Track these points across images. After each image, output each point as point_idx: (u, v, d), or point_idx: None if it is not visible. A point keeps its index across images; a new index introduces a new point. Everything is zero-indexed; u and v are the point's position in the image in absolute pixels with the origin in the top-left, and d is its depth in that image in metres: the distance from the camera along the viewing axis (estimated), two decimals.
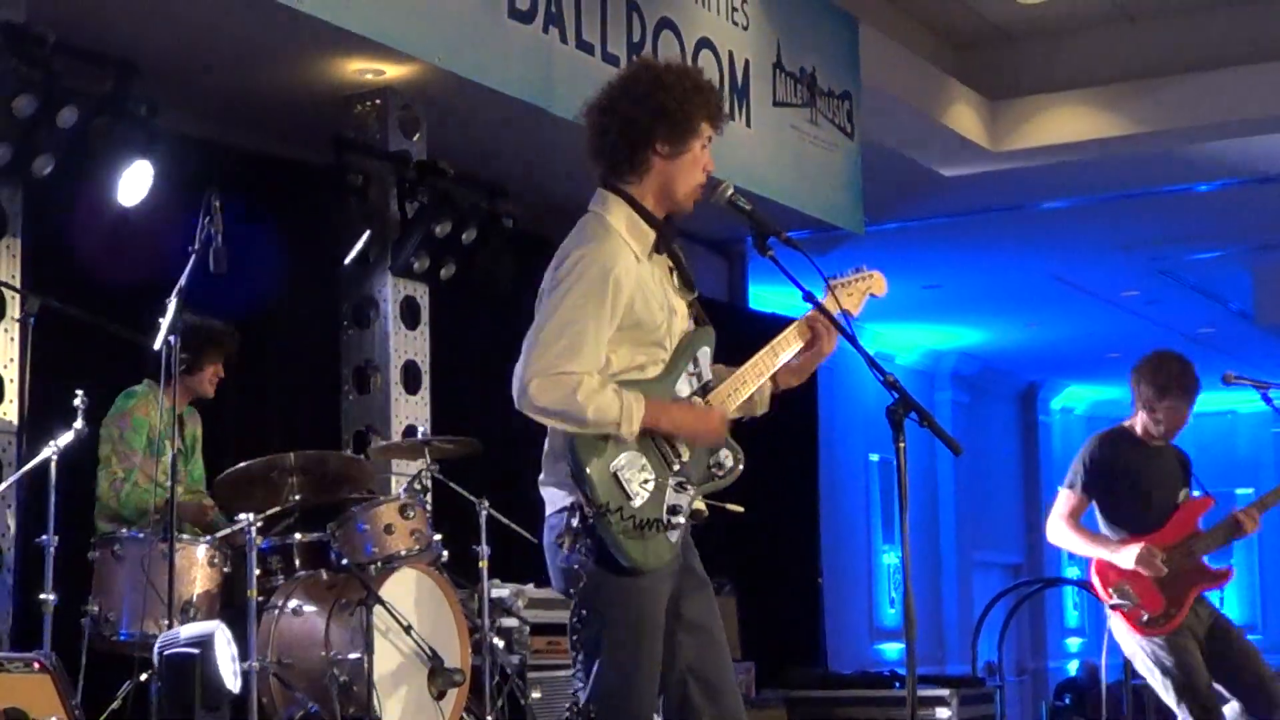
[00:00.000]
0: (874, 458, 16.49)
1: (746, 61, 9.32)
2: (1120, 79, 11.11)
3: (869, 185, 10.40)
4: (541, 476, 3.84)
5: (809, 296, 3.97)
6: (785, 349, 4.08)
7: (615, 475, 3.70)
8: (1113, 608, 6.08)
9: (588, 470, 3.68)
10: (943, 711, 9.36)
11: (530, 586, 7.58)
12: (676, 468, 3.84)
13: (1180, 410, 6.12)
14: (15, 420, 6.16)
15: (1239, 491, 21.74)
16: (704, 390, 3.97)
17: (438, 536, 6.44)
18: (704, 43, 8.97)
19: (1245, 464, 21.51)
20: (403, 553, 6.24)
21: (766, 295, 12.32)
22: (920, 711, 9.10)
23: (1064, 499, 6.26)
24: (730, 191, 3.94)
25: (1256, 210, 12.57)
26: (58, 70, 6.16)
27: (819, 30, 10.02)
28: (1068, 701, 16.04)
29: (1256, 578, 21.56)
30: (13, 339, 6.28)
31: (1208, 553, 6.07)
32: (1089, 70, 11.25)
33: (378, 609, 5.92)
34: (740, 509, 4.06)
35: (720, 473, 4.04)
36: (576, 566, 3.71)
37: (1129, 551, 6.05)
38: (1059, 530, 6.25)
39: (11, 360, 6.27)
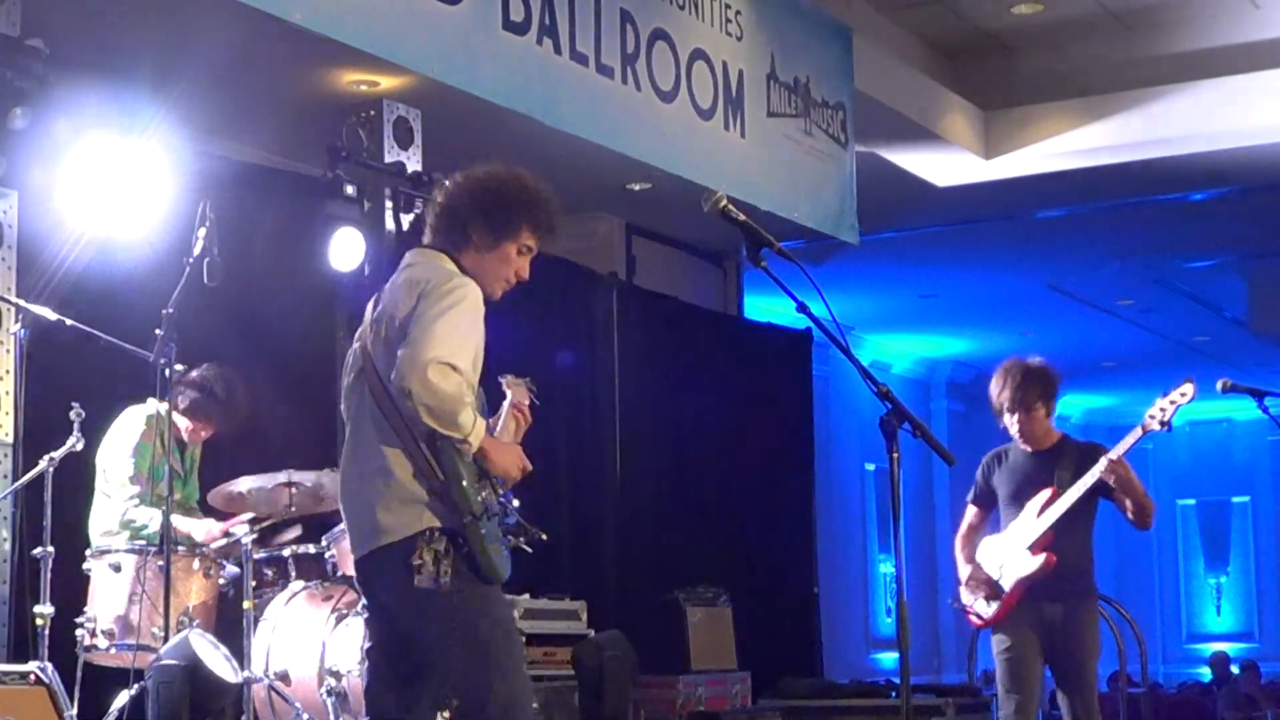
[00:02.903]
0: (870, 467, 16.51)
1: (740, 72, 9.33)
2: (1114, 88, 11.12)
3: (863, 195, 10.40)
4: (380, 505, 3.97)
5: (802, 306, 3.98)
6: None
7: (469, 488, 3.94)
8: (954, 603, 6.29)
9: (463, 478, 3.92)
10: None
11: (525, 597, 7.58)
12: (499, 492, 4.07)
13: (1015, 425, 6.09)
14: (11, 433, 6.15)
15: (1235, 499, 21.81)
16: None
17: None
18: (698, 54, 8.98)
19: (1241, 471, 21.57)
20: None
21: (761, 305, 12.33)
22: None
23: (966, 513, 6.42)
24: (724, 202, 3.95)
25: (1251, 218, 12.59)
26: (52, 83, 6.16)
27: (813, 41, 10.03)
28: None
29: (1253, 586, 21.57)
30: (8, 351, 6.28)
31: (1033, 539, 6.05)
32: (1083, 80, 11.27)
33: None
34: (544, 536, 4.22)
35: (509, 510, 4.15)
36: (439, 585, 3.89)
37: (964, 570, 6.26)
38: (957, 539, 6.41)
39: (7, 373, 6.26)
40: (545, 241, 4.32)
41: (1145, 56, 11.09)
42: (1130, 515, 6.08)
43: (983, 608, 6.21)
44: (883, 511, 16.74)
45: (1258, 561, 21.48)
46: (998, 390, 6.16)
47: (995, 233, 12.89)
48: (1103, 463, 5.94)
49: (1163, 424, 6.01)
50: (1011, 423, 6.14)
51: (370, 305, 4.25)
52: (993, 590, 6.14)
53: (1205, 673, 19.24)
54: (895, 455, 3.85)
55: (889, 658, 16.05)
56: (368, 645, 4.28)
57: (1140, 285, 14.70)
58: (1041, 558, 6.00)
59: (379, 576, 4.04)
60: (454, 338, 3.93)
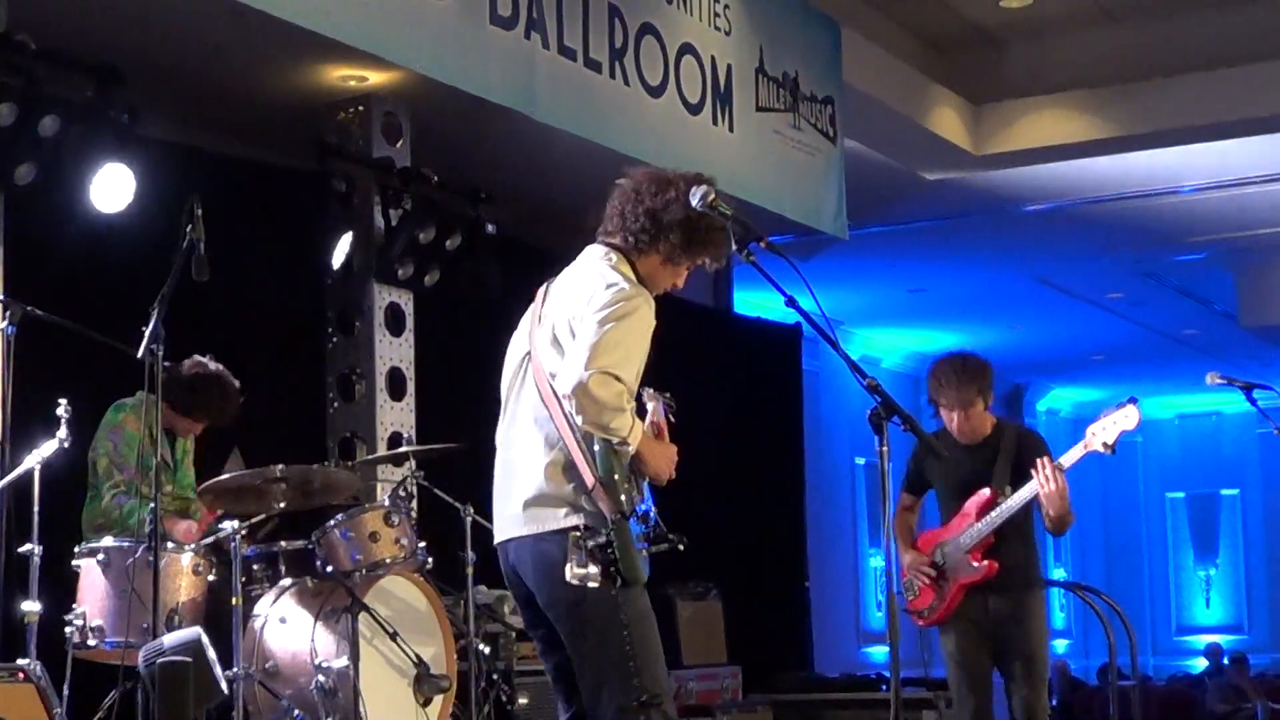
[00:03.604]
0: (859, 461, 16.51)
1: (729, 66, 9.32)
2: (1103, 82, 11.13)
3: (852, 189, 10.41)
4: (530, 496, 4.10)
5: (791, 301, 3.98)
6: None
7: (622, 488, 4.04)
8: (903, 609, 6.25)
9: (616, 478, 4.02)
10: (929, 714, 9.36)
11: None
12: (645, 495, 4.20)
13: (955, 422, 6.09)
14: None
15: (1224, 492, 21.85)
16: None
17: (423, 543, 6.43)
18: (686, 48, 8.97)
19: (1230, 464, 21.61)
20: (388, 560, 6.24)
21: (750, 300, 12.33)
22: (906, 714, 9.09)
23: (900, 499, 6.41)
24: (712, 196, 3.95)
25: (1240, 212, 12.61)
26: (39, 78, 6.15)
27: (801, 35, 10.02)
28: (1054, 704, 16.06)
29: (1242, 578, 21.62)
30: None
31: (973, 543, 6.04)
32: (1072, 73, 11.28)
33: (363, 616, 5.91)
34: (683, 545, 4.36)
35: (651, 514, 4.28)
36: (587, 583, 4.02)
37: (906, 556, 6.23)
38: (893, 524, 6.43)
39: None
40: (713, 266, 4.44)
41: (1134, 50, 11.09)
42: (1048, 524, 6.06)
43: (926, 602, 6.19)
44: (873, 505, 16.74)
45: (1247, 554, 21.53)
46: (935, 391, 6.10)
47: (984, 226, 12.90)
48: (1037, 480, 5.92)
49: (1105, 445, 5.95)
50: (950, 420, 6.11)
51: (540, 293, 4.31)
52: (935, 582, 6.13)
53: (1195, 664, 19.30)
54: (885, 449, 3.86)
55: (879, 651, 16.06)
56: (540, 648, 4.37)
57: (1129, 279, 14.72)
58: (984, 565, 6.02)
59: (524, 565, 4.15)
60: (621, 349, 4.01)
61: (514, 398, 4.26)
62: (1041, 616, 6.15)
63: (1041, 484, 5.87)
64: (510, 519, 4.18)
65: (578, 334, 4.03)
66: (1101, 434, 5.91)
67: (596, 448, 4.02)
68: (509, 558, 4.22)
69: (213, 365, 6.45)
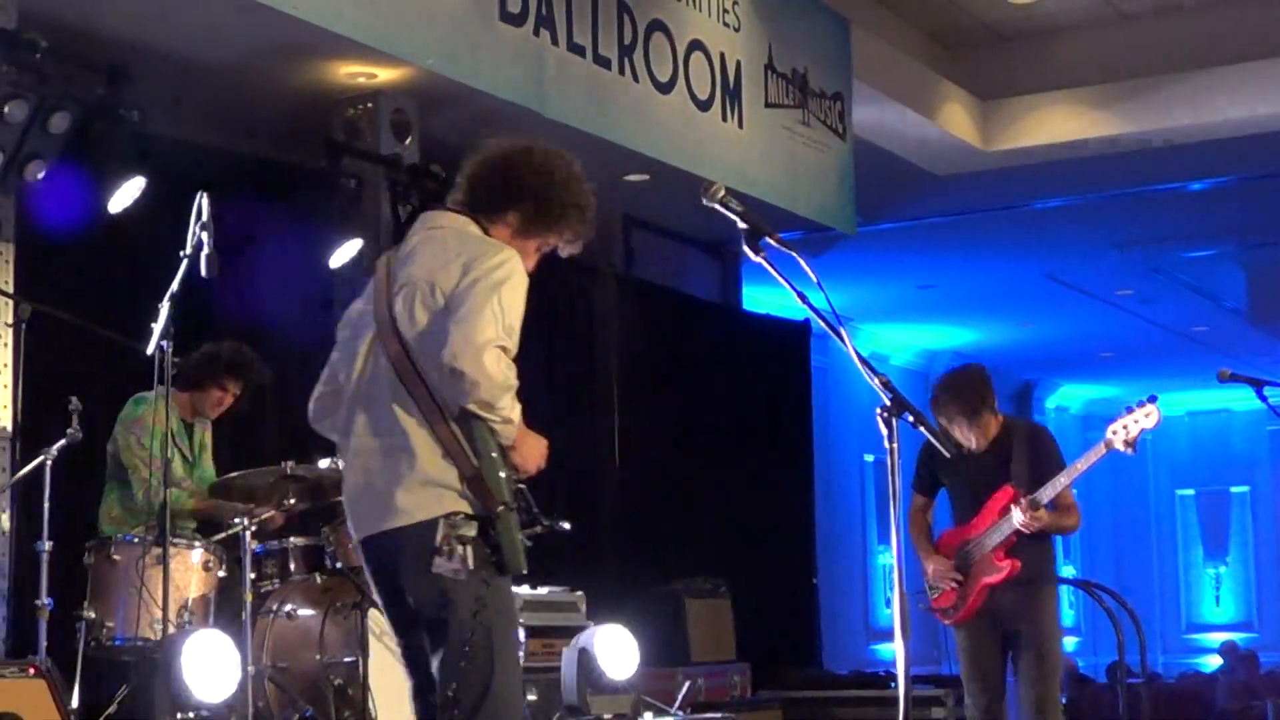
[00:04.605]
0: (869, 458, 16.50)
1: (738, 63, 9.32)
2: (1112, 78, 11.11)
3: (861, 186, 10.40)
4: (402, 485, 3.75)
5: (802, 297, 3.97)
6: None
7: (502, 474, 3.74)
8: (923, 607, 6.32)
9: (498, 463, 3.72)
10: (938, 711, 9.35)
11: (524, 588, 7.58)
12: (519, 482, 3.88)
13: (970, 438, 6.09)
14: (9, 426, 6.16)
15: (1234, 489, 21.81)
16: None
17: None
18: (695, 45, 8.98)
19: (1240, 461, 21.55)
20: None
21: (760, 296, 12.32)
22: (916, 712, 9.09)
23: (913, 501, 6.45)
24: (722, 192, 3.94)
25: (1250, 208, 12.58)
26: (49, 76, 6.16)
27: (811, 31, 10.02)
28: (1064, 701, 16.04)
29: (1251, 575, 21.58)
30: (5, 344, 6.28)
31: (997, 543, 6.05)
32: (1081, 69, 11.26)
33: (372, 612, 5.92)
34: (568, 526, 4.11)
35: (529, 500, 3.94)
36: (459, 572, 3.69)
37: (930, 563, 6.27)
38: (908, 527, 6.41)
39: (5, 365, 6.26)
40: (567, 250, 4.12)
41: (1143, 45, 11.08)
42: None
43: (949, 602, 6.21)
44: (882, 502, 16.72)
45: (1257, 551, 21.47)
46: (943, 418, 6.08)
47: (994, 223, 12.88)
48: (1061, 480, 5.93)
49: (1126, 443, 5.94)
50: (963, 435, 6.09)
51: (381, 268, 3.97)
52: (958, 585, 6.15)
53: (1205, 662, 19.26)
54: (894, 446, 3.84)
55: (889, 649, 16.03)
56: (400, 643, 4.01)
57: (1139, 275, 14.69)
58: (1007, 564, 6.04)
59: (392, 558, 3.81)
60: (506, 318, 3.71)
61: (364, 381, 3.88)
62: (1054, 612, 6.19)
63: (1024, 527, 5.92)
64: (377, 511, 3.80)
65: (459, 303, 3.72)
66: (1122, 433, 5.92)
67: (473, 427, 3.71)
68: (379, 552, 3.86)
69: (228, 341, 6.50)
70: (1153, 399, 5.94)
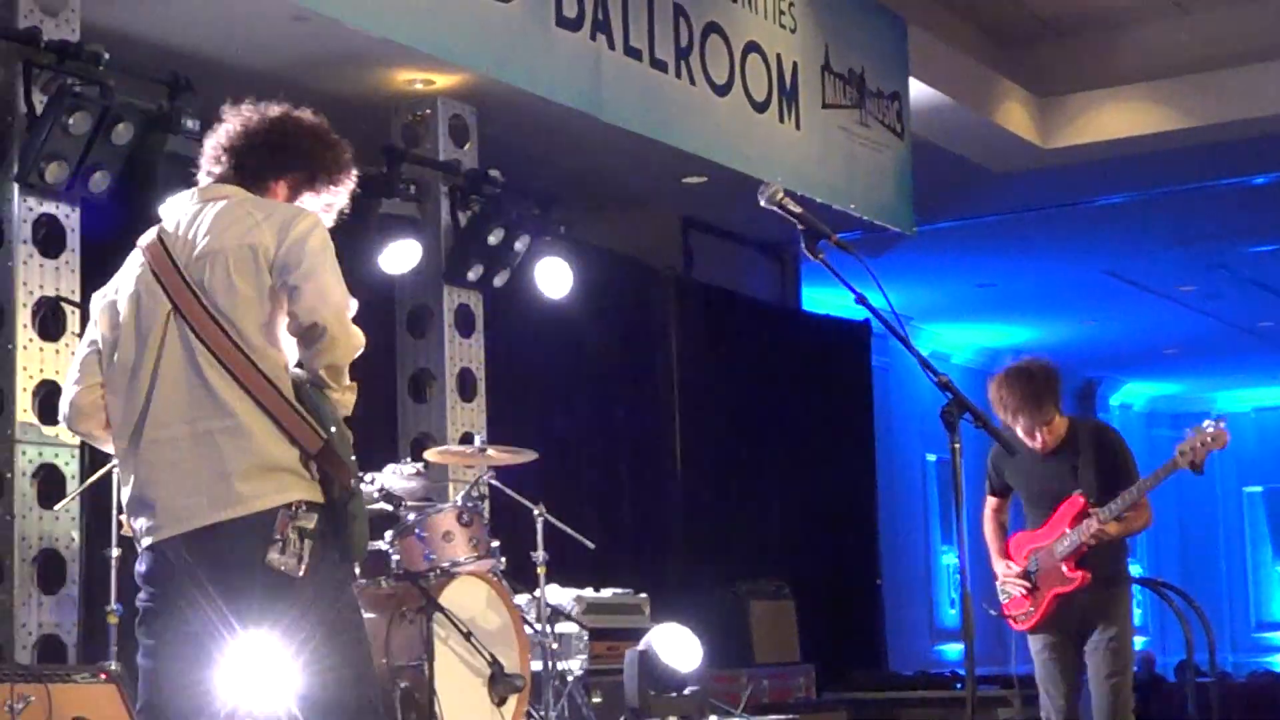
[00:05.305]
0: (931, 458, 16.44)
1: (795, 64, 9.31)
2: (1172, 72, 11.03)
3: (919, 185, 10.37)
4: (232, 472, 3.37)
5: (860, 298, 3.96)
6: None
7: (349, 453, 3.52)
8: (992, 611, 6.30)
9: (348, 440, 3.49)
10: (1005, 712, 9.30)
11: (588, 591, 7.59)
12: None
13: (1037, 439, 5.99)
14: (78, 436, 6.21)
15: None
16: None
17: (496, 543, 6.46)
18: (751, 46, 8.97)
19: None
20: (461, 560, 6.27)
21: (819, 297, 12.31)
22: (982, 713, 9.05)
23: (986, 503, 6.41)
24: (780, 194, 3.94)
25: None
26: (111, 87, 6.22)
27: (867, 31, 10.00)
28: (1136, 698, 15.91)
29: None
30: (72, 353, 6.33)
31: (1067, 553, 5.98)
32: (1140, 64, 11.18)
33: (438, 616, 5.95)
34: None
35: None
36: (295, 569, 3.34)
37: (999, 565, 6.26)
38: (983, 527, 6.42)
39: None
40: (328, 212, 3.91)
41: (1202, 39, 10.99)
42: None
43: (1020, 608, 6.17)
44: (945, 502, 16.66)
45: None
46: (1008, 409, 5.99)
47: (1053, 220, 12.82)
48: (1132, 493, 5.88)
49: (1194, 465, 5.88)
50: (1028, 435, 6.02)
51: (153, 245, 3.74)
52: (1029, 590, 6.12)
53: (1275, 661, 19.07)
54: (957, 446, 3.82)
55: (953, 649, 15.97)
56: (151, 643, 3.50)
57: (1201, 271, 14.57)
58: (1077, 575, 5.99)
59: (225, 552, 3.37)
60: (340, 278, 3.60)
61: (162, 364, 3.49)
62: (1128, 611, 6.16)
63: (1094, 540, 5.86)
64: (208, 500, 3.37)
65: (294, 262, 3.51)
66: (1190, 454, 5.85)
67: (316, 402, 3.44)
68: (208, 546, 3.38)
69: None
70: (1221, 418, 5.89)
